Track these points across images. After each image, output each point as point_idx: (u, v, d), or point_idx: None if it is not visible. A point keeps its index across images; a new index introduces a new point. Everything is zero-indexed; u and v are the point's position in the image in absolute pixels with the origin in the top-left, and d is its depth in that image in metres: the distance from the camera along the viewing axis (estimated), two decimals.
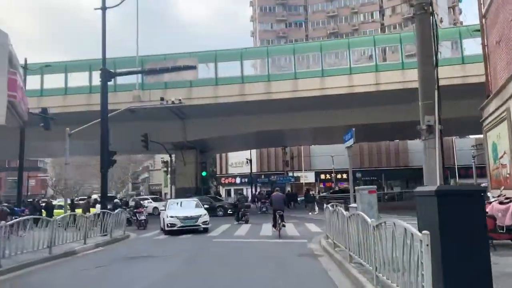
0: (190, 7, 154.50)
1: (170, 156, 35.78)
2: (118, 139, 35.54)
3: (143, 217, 21.11)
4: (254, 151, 54.03)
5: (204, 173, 35.26)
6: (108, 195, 50.79)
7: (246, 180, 53.64)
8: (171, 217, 17.55)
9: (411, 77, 25.22)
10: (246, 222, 20.64)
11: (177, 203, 19.48)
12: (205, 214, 18.13)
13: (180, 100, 21.77)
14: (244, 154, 53.73)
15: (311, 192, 28.95)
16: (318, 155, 53.41)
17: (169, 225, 17.37)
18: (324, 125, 30.76)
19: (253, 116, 30.78)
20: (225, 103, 27.58)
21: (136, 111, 29.58)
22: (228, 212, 27.68)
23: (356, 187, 10.98)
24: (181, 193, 34.46)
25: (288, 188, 48.24)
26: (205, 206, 21.99)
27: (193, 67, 23.62)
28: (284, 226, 14.94)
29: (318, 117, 30.13)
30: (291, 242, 13.61)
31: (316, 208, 26.71)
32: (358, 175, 52.16)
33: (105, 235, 15.47)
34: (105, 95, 18.51)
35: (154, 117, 31.28)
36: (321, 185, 54.15)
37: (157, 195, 39.93)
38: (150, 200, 35.25)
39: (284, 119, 30.64)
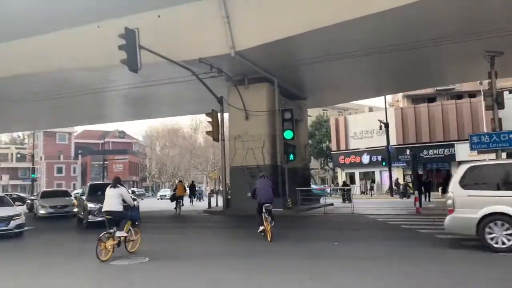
0: None
1: (220, 101, 17.18)
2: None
3: None
4: (391, 111, 33.00)
5: (289, 134, 16.15)
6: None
7: (380, 158, 32.83)
8: None
9: None
10: None
11: None
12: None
13: None
14: (375, 116, 33.19)
15: None
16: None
17: None
18: None
19: None
20: None
21: None
22: None
23: None
24: (240, 176, 16.18)
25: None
26: None
27: None
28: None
29: None
30: None
31: None
32: None
33: None
34: None
35: None
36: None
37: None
38: None
39: None
